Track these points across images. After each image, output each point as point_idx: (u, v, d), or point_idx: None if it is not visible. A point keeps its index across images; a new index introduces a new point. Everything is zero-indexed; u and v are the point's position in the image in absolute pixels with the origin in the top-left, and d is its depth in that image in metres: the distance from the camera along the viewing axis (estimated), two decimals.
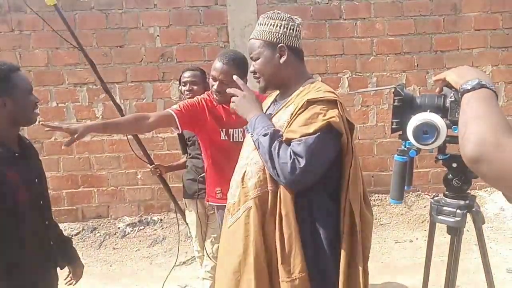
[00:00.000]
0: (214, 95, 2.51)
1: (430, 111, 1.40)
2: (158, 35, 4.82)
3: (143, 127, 2.44)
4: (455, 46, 4.96)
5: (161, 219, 4.89)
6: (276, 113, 1.77)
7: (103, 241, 4.33)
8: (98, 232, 4.62)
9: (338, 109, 1.63)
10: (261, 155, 1.64)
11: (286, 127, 1.66)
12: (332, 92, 1.71)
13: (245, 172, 1.75)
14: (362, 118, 4.97)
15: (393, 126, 1.47)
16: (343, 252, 1.65)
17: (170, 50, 4.85)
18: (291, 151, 1.57)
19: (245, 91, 1.81)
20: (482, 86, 1.02)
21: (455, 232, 1.48)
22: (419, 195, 5.12)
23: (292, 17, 1.79)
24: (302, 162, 1.55)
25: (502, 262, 3.89)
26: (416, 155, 1.45)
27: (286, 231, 1.63)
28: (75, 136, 2.07)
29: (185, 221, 3.34)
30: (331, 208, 1.68)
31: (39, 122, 2.13)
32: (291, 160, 1.56)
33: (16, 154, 1.82)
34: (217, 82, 2.42)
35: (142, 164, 4.86)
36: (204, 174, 2.91)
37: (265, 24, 1.74)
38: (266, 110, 1.87)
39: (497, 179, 0.88)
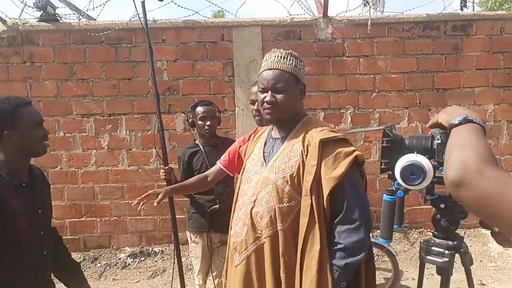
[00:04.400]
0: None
1: (417, 153, 1.43)
2: (165, 69, 4.95)
3: (205, 185, 2.73)
4: (457, 84, 5.02)
5: (162, 251, 4.89)
6: (282, 150, 1.79)
7: (103, 272, 4.32)
8: (99, 263, 4.62)
9: (352, 145, 1.72)
10: None
11: (302, 170, 1.68)
12: (335, 131, 1.78)
13: (252, 210, 1.77)
14: (365, 154, 4.97)
15: (382, 167, 1.51)
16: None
17: (177, 83, 4.96)
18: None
19: None
20: (469, 121, 1.05)
21: (444, 272, 1.49)
22: (422, 231, 5.09)
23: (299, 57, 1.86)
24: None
25: None
26: (404, 195, 1.48)
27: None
28: (161, 196, 2.49)
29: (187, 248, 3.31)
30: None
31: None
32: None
33: (24, 184, 1.88)
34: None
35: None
36: (214, 207, 2.97)
37: (289, 60, 1.77)
38: (264, 145, 1.90)
39: (477, 204, 0.88)
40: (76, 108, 4.94)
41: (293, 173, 1.68)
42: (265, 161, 1.82)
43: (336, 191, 1.60)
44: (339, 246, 1.58)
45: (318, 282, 1.59)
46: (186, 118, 3.39)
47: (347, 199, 1.60)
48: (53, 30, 4.87)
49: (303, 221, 1.63)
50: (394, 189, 1.51)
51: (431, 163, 1.43)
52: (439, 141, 1.44)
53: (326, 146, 1.66)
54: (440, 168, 1.43)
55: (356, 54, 4.99)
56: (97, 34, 4.82)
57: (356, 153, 1.63)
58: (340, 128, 4.99)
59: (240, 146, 2.57)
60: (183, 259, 4.42)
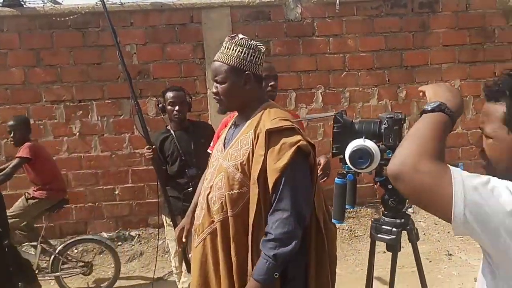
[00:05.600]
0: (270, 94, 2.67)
1: (365, 137, 1.49)
2: (135, 53, 4.91)
3: None
4: (424, 61, 5.12)
5: (139, 234, 4.94)
6: (237, 137, 1.84)
7: (80, 258, 4.34)
8: (76, 249, 4.63)
9: (300, 134, 1.74)
10: None
11: (251, 158, 1.72)
12: (288, 120, 1.80)
13: (208, 195, 1.83)
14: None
15: (333, 151, 1.57)
16: (312, 263, 1.75)
17: (147, 67, 4.93)
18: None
19: None
20: (441, 110, 1.10)
21: (393, 248, 1.57)
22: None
23: (258, 45, 1.86)
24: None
25: (470, 271, 4.00)
26: (354, 178, 1.55)
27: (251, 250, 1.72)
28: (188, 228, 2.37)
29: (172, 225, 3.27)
30: None
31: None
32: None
33: None
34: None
35: (120, 180, 4.98)
36: (188, 190, 2.98)
37: (232, 49, 1.79)
38: (228, 131, 1.94)
39: (411, 196, 1.00)
40: (45, 95, 4.88)
41: (243, 161, 1.73)
42: (224, 148, 1.86)
43: (277, 182, 1.65)
44: (269, 236, 1.63)
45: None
46: (157, 103, 3.40)
47: (282, 189, 1.64)
48: (18, 15, 4.76)
49: (252, 209, 1.68)
50: (344, 172, 1.57)
51: (379, 146, 1.50)
52: (386, 126, 1.50)
53: (272, 136, 1.69)
54: (388, 151, 1.49)
55: (325, 34, 5.03)
56: (63, 19, 4.73)
57: (300, 143, 1.67)
58: (311, 108, 5.06)
59: (221, 128, 2.61)
60: (160, 242, 4.52)
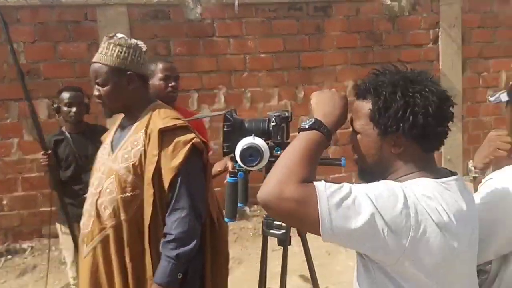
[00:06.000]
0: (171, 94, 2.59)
1: (255, 135, 1.52)
2: (22, 51, 4.55)
3: None
4: (320, 63, 5.36)
5: (31, 246, 4.60)
6: (127, 139, 1.78)
7: None
8: None
9: (193, 132, 1.73)
10: None
11: (144, 159, 1.69)
12: (179, 118, 1.79)
13: (97, 200, 1.75)
14: None
15: (224, 150, 1.58)
16: (208, 260, 1.77)
17: (37, 66, 4.61)
18: None
19: None
20: (315, 129, 1.14)
21: (283, 243, 1.63)
22: None
23: (138, 43, 1.82)
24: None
25: None
26: (245, 176, 1.57)
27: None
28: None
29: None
30: None
31: None
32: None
33: None
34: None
35: (8, 189, 4.59)
36: (83, 197, 2.82)
37: (112, 49, 1.73)
38: (114, 133, 1.88)
39: (282, 220, 1.21)
40: None
41: (135, 162, 1.69)
42: (112, 151, 1.80)
43: (174, 180, 1.64)
44: (169, 237, 1.62)
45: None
46: (52, 103, 3.23)
47: (178, 188, 1.64)
48: None
49: (147, 210, 1.66)
50: (236, 170, 1.59)
51: (268, 144, 1.53)
52: (274, 123, 1.54)
53: (165, 135, 1.68)
54: (276, 148, 1.54)
55: (225, 35, 5.06)
56: None
57: (194, 140, 1.67)
58: (214, 108, 5.07)
59: None
60: (56, 253, 4.24)
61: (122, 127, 1.87)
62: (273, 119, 1.54)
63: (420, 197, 1.04)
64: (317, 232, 1.01)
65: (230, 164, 2.72)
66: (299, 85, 5.32)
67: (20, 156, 4.56)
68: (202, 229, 1.73)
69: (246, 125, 1.59)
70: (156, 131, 1.69)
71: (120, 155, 1.73)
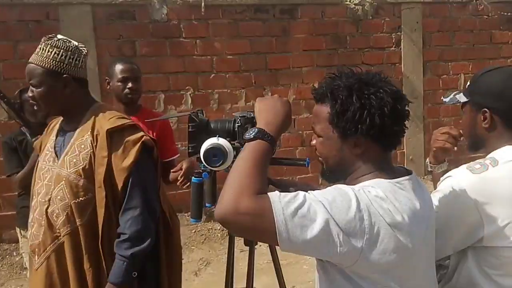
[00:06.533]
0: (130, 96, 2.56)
1: (219, 136, 1.54)
2: None
3: None
4: (286, 65, 5.42)
5: None
6: (72, 143, 1.74)
7: None
8: None
9: (141, 130, 1.74)
10: None
11: (93, 161, 1.67)
12: (125, 117, 1.78)
13: (47, 209, 1.71)
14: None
15: (189, 151, 1.59)
16: (163, 256, 1.78)
17: None
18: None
19: None
20: (259, 138, 1.15)
21: (250, 243, 1.65)
22: None
23: (78, 46, 1.77)
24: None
25: None
26: (210, 176, 1.59)
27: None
28: None
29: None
30: None
31: None
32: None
33: None
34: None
35: None
36: None
37: (48, 51, 1.68)
38: (55, 139, 1.83)
39: (240, 235, 1.28)
40: None
41: (85, 166, 1.67)
42: (57, 156, 1.76)
43: (126, 180, 1.64)
44: (123, 236, 1.62)
45: None
46: (14, 103, 3.12)
47: (131, 187, 1.64)
48: None
49: (100, 213, 1.65)
50: (201, 171, 1.60)
51: (233, 145, 1.55)
52: (239, 124, 1.56)
53: (114, 135, 1.67)
54: (241, 148, 1.55)
55: (192, 36, 5.05)
56: None
57: (144, 139, 1.67)
58: (181, 109, 5.04)
59: None
60: (17, 258, 4.12)
61: (63, 131, 1.82)
62: (238, 120, 1.56)
63: (373, 199, 1.08)
64: (275, 243, 1.04)
65: (185, 166, 2.70)
66: (266, 87, 5.35)
67: None
68: (156, 226, 1.74)
69: (212, 125, 1.60)
70: (103, 132, 1.67)
71: (68, 160, 1.70)
